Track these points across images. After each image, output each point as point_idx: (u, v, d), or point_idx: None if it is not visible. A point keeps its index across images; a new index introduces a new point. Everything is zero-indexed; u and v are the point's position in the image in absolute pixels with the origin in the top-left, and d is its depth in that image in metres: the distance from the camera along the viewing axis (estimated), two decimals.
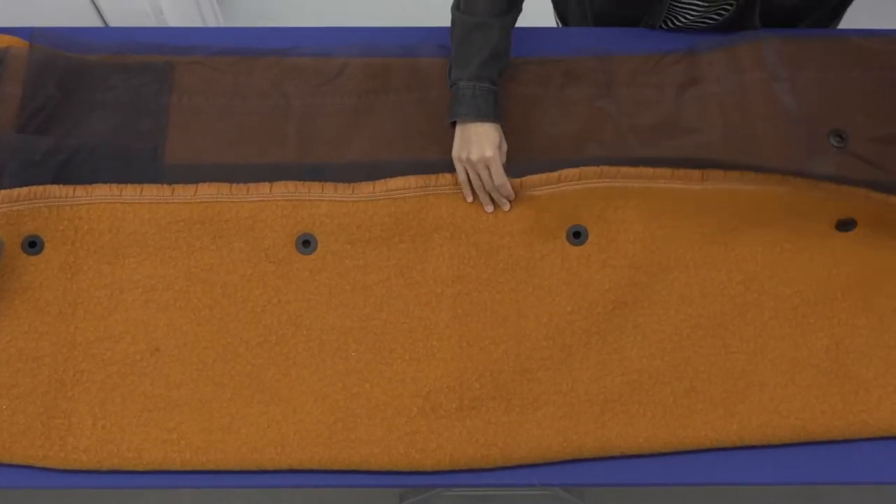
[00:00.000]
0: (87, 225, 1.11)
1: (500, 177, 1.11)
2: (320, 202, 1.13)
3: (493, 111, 1.12)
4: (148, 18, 1.74)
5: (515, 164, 1.14)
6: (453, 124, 1.14)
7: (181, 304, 1.09)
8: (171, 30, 1.36)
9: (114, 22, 1.74)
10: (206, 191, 1.13)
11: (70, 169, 1.14)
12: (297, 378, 1.07)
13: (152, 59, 1.24)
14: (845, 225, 1.12)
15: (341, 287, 1.11)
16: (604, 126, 1.20)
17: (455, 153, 1.13)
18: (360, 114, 1.21)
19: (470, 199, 1.13)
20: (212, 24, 2.04)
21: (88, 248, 1.11)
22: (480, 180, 1.12)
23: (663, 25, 1.30)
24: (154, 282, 1.10)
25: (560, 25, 1.48)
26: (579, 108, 1.21)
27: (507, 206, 1.13)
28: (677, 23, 1.28)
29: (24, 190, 1.10)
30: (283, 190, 1.13)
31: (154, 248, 1.11)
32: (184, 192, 1.13)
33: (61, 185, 1.12)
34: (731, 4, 1.21)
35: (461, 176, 1.13)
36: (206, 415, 1.05)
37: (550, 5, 1.49)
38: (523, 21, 1.26)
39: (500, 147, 1.13)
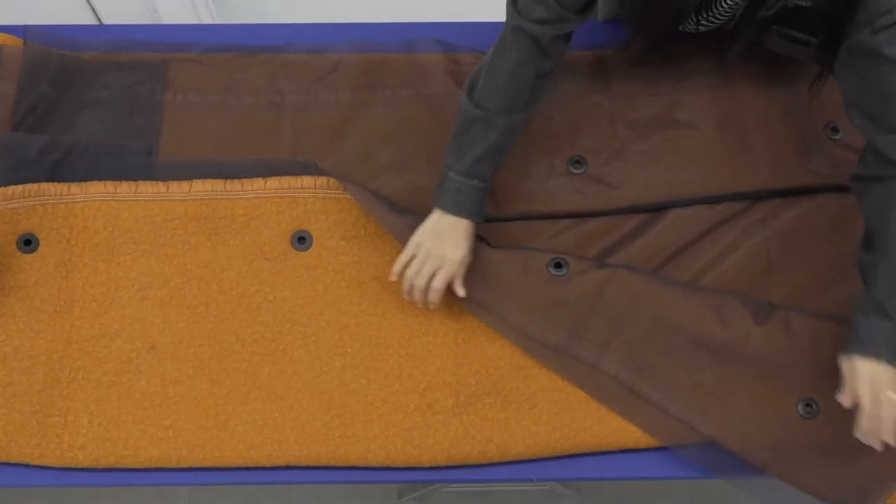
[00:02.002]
0: (83, 223, 1.11)
1: (438, 285, 1.04)
2: (315, 199, 1.13)
3: (476, 209, 1.06)
4: (142, 16, 1.73)
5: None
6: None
7: (177, 301, 1.09)
8: (166, 27, 1.35)
9: (108, 20, 1.73)
10: (201, 187, 1.13)
11: (64, 167, 1.14)
12: (294, 375, 1.07)
13: (146, 58, 1.24)
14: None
15: (337, 283, 1.11)
16: (599, 120, 1.21)
17: (418, 234, 1.06)
18: (354, 110, 1.21)
19: (394, 278, 1.07)
20: (207, 22, 2.03)
21: (84, 245, 1.10)
22: (420, 273, 1.05)
23: None
24: (149, 279, 1.10)
25: None
26: (574, 102, 1.21)
27: (430, 306, 1.07)
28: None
29: (19, 188, 1.10)
30: (276, 185, 1.13)
31: (149, 245, 1.11)
32: (178, 188, 1.13)
33: (56, 183, 1.12)
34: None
35: (404, 254, 1.06)
36: (202, 412, 1.05)
37: None
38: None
39: (464, 257, 1.05)
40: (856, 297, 0.99)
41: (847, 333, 0.97)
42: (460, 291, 1.06)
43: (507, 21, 1.04)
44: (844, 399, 0.97)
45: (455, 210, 1.05)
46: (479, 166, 1.05)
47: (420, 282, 1.05)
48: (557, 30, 1.01)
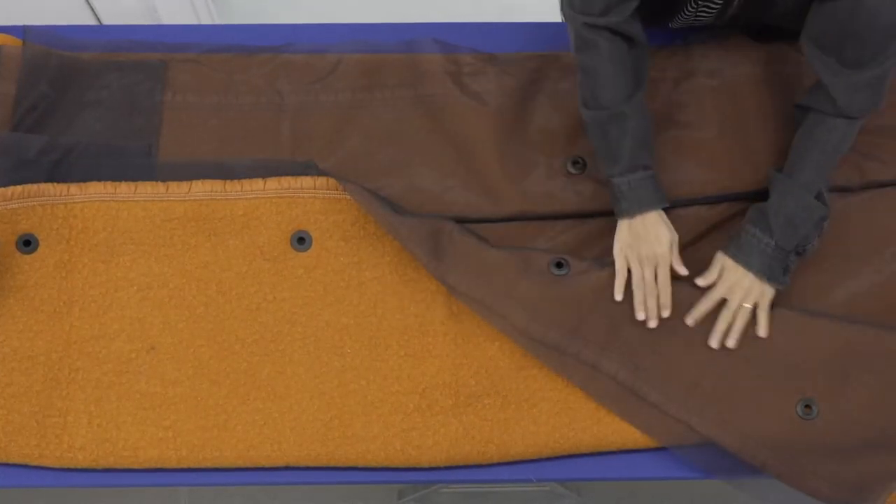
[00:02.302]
0: (82, 223, 1.11)
1: (666, 282, 1.06)
2: (314, 199, 1.13)
3: (656, 197, 1.07)
4: (142, 17, 1.73)
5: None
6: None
7: (176, 301, 1.09)
8: (165, 28, 1.35)
9: (108, 20, 1.73)
10: (201, 188, 1.13)
11: (64, 167, 1.14)
12: (293, 375, 1.07)
13: (146, 58, 1.24)
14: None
15: (336, 284, 1.11)
16: None
17: (620, 247, 1.07)
18: (354, 110, 1.21)
19: (619, 297, 1.07)
20: (206, 22, 2.03)
21: (83, 246, 1.10)
22: (644, 280, 1.06)
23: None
24: (149, 280, 1.10)
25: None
26: (573, 103, 1.21)
27: (666, 313, 1.06)
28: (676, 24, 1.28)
29: (19, 188, 1.10)
30: (275, 185, 1.13)
31: (149, 245, 1.11)
32: (178, 189, 1.13)
33: (55, 184, 1.12)
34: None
35: (621, 272, 1.07)
36: (201, 412, 1.05)
37: (550, 4, 1.49)
38: (522, 16, 1.26)
39: (672, 246, 1.07)
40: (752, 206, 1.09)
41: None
42: (682, 271, 1.07)
43: (571, 23, 1.06)
44: (701, 281, 1.07)
45: (637, 208, 1.06)
46: (635, 157, 1.07)
47: (652, 302, 1.06)
48: (623, 11, 1.02)
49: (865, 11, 0.94)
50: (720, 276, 1.07)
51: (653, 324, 1.07)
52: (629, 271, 1.08)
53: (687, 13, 1.16)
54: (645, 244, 1.06)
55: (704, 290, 1.08)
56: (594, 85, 1.06)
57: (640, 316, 1.07)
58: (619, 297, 1.07)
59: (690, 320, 1.06)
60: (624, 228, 1.08)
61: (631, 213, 1.07)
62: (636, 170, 1.07)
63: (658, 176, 1.09)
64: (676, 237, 1.08)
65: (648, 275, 1.06)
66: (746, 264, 1.06)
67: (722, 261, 1.08)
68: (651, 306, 1.07)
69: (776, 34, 1.24)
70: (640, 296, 1.07)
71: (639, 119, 1.07)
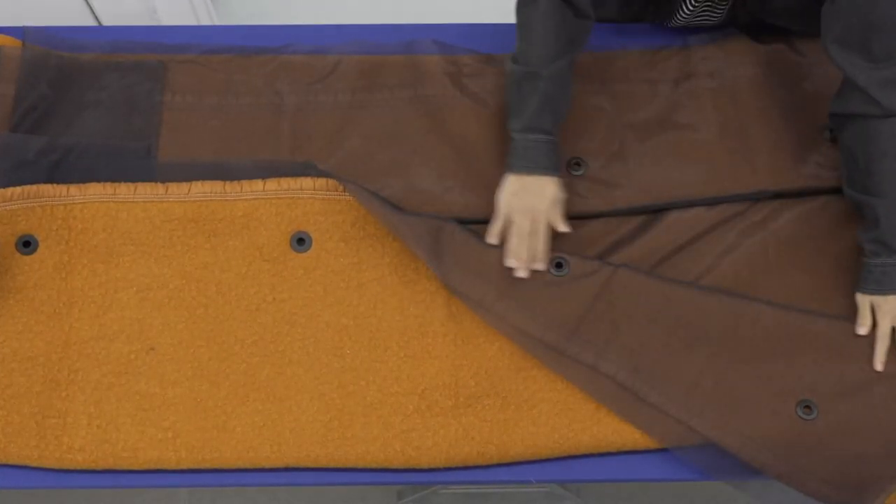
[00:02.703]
0: (81, 224, 1.11)
1: (542, 236, 1.07)
2: (314, 200, 1.13)
3: (548, 163, 1.08)
4: (142, 17, 1.73)
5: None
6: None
7: (176, 302, 1.09)
8: (165, 28, 1.35)
9: (107, 21, 1.73)
10: (200, 189, 1.13)
11: (63, 168, 1.14)
12: (293, 376, 1.07)
13: (145, 58, 1.24)
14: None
15: (336, 285, 1.11)
16: (598, 122, 1.21)
17: (504, 195, 1.08)
18: (354, 111, 1.21)
19: (492, 241, 1.09)
20: (206, 23, 2.03)
21: (82, 247, 1.10)
22: (520, 228, 1.07)
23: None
24: (148, 281, 1.10)
25: None
26: (573, 103, 1.21)
27: (539, 266, 1.08)
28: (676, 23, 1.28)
29: (18, 189, 1.10)
30: (275, 186, 1.13)
31: (148, 246, 1.11)
32: (177, 190, 1.13)
33: (55, 185, 1.12)
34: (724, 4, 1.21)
35: (499, 217, 1.08)
36: (201, 413, 1.05)
37: None
38: (513, 19, 1.26)
39: (556, 203, 1.09)
40: (859, 239, 1.08)
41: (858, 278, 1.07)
42: (563, 228, 1.09)
43: None
44: (862, 329, 1.07)
45: (527, 168, 1.08)
46: (539, 119, 1.08)
47: (523, 251, 1.07)
48: None
49: None
50: (875, 312, 1.07)
51: (521, 273, 1.08)
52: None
53: (687, 11, 1.16)
54: (528, 196, 1.08)
55: (704, 288, 1.08)
56: (524, 40, 1.08)
57: (509, 263, 1.08)
58: (490, 240, 1.09)
59: (879, 365, 1.06)
60: (512, 180, 1.09)
61: (520, 170, 1.08)
62: (535, 132, 1.08)
63: (558, 145, 1.10)
64: (563, 197, 1.10)
65: (526, 225, 1.07)
66: (893, 290, 1.05)
67: (869, 300, 1.07)
68: (522, 255, 1.07)
69: (776, 32, 1.24)
70: (512, 242, 1.08)
71: (554, 84, 1.08)
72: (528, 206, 1.07)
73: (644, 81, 1.23)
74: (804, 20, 1.18)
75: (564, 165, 1.18)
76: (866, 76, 0.99)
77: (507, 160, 1.10)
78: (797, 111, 1.20)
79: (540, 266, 1.08)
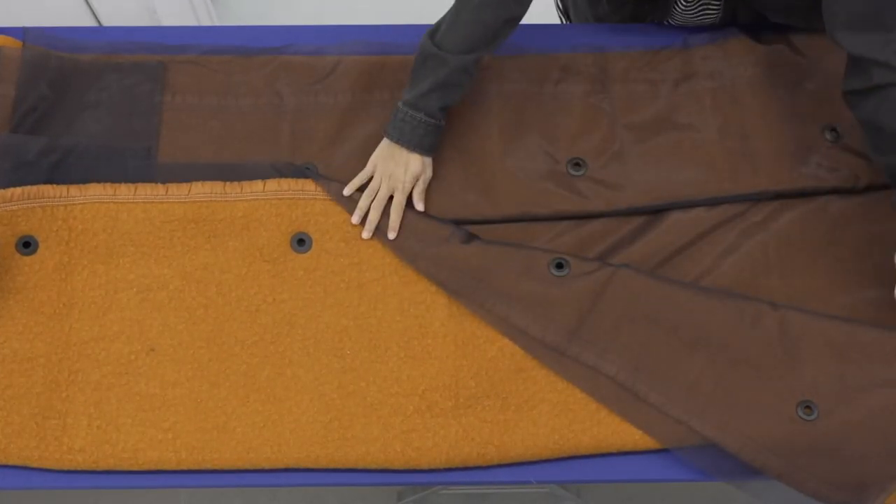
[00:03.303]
0: (82, 225, 1.11)
1: (398, 206, 1.11)
2: (314, 200, 1.13)
3: (421, 143, 1.11)
4: (141, 18, 1.74)
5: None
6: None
7: (176, 303, 1.09)
8: (165, 29, 1.35)
9: (107, 22, 1.74)
10: (200, 189, 1.13)
11: (63, 169, 1.14)
12: (293, 377, 1.07)
13: (145, 59, 1.24)
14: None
15: (336, 285, 1.11)
16: (599, 123, 1.21)
17: (374, 156, 1.14)
18: (354, 112, 1.21)
19: (347, 192, 1.13)
20: (206, 23, 2.03)
21: (83, 247, 1.10)
22: (375, 191, 1.12)
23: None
24: (149, 281, 1.10)
25: (564, 23, 1.48)
26: (574, 105, 1.22)
27: (391, 235, 1.11)
28: (674, 20, 1.28)
29: (18, 190, 1.10)
30: (275, 187, 1.13)
31: (148, 247, 1.11)
32: (178, 190, 1.13)
33: (55, 185, 1.12)
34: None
35: (365, 174, 1.13)
36: (201, 414, 1.05)
37: (549, 5, 1.49)
38: (523, 18, 1.25)
39: (415, 178, 1.12)
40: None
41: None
42: (419, 206, 1.13)
43: None
44: None
45: (399, 140, 1.11)
46: (426, 100, 1.10)
47: (372, 217, 1.11)
48: None
49: None
50: None
51: (365, 234, 1.12)
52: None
53: (681, 8, 1.16)
54: (393, 164, 1.12)
55: (705, 288, 1.08)
56: (450, 27, 1.09)
57: (355, 219, 1.12)
58: (347, 192, 1.13)
59: None
60: (385, 144, 1.14)
61: (391, 139, 1.12)
62: (419, 110, 1.10)
63: (438, 128, 1.12)
64: (429, 176, 1.14)
65: (383, 191, 1.12)
66: None
67: None
68: (373, 218, 1.11)
69: (777, 30, 1.24)
70: (365, 201, 1.12)
71: (457, 74, 1.10)
72: (390, 172, 1.11)
73: (644, 82, 1.23)
74: (803, 15, 1.18)
75: (566, 166, 1.18)
76: (885, 49, 0.99)
77: (386, 123, 1.13)
78: (798, 111, 1.20)
79: (391, 235, 1.11)
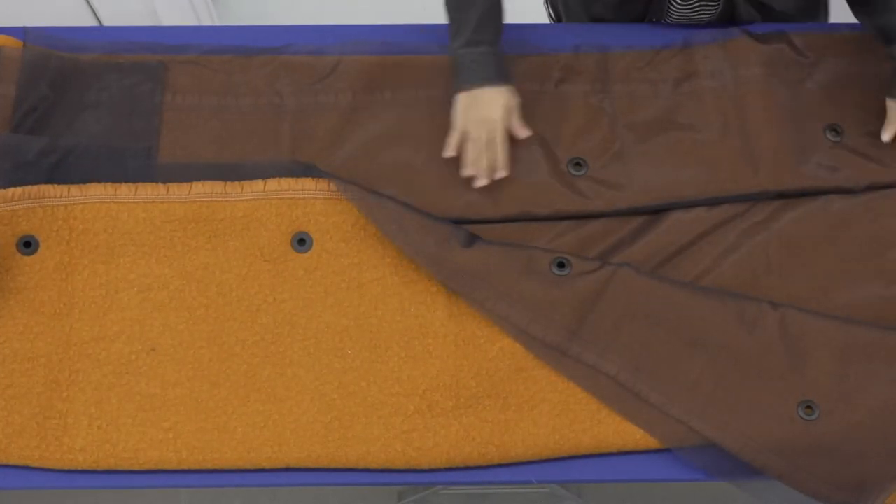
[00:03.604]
0: (82, 224, 1.11)
1: (500, 144, 1.11)
2: (315, 200, 1.13)
3: (497, 74, 1.11)
4: (142, 18, 1.73)
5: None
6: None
7: (176, 303, 1.09)
8: (165, 29, 1.36)
9: (108, 21, 1.74)
10: (201, 189, 1.13)
11: (63, 169, 1.14)
12: (294, 377, 1.07)
13: (145, 59, 1.24)
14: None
15: (337, 285, 1.11)
16: (599, 122, 1.21)
17: (457, 112, 1.13)
18: (354, 111, 1.21)
19: (448, 153, 1.13)
20: (206, 23, 2.03)
21: (83, 247, 1.10)
22: (475, 140, 1.11)
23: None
24: (149, 281, 1.10)
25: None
26: (575, 105, 1.21)
27: (500, 174, 1.12)
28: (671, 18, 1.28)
29: (19, 190, 1.10)
30: (276, 187, 1.13)
31: (149, 247, 1.11)
32: (178, 190, 1.13)
33: (56, 185, 1.11)
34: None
35: (456, 131, 1.13)
36: (202, 414, 1.05)
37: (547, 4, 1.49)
38: (520, 18, 1.26)
39: (510, 111, 1.12)
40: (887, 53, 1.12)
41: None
42: (522, 133, 1.14)
43: None
44: (886, 135, 1.13)
45: (474, 82, 1.11)
46: (480, 32, 1.11)
47: (482, 160, 1.11)
48: None
49: None
50: None
51: (481, 182, 1.12)
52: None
53: (679, 4, 1.17)
54: (479, 109, 1.11)
55: (705, 288, 1.08)
56: None
57: (467, 172, 1.12)
58: (447, 153, 1.14)
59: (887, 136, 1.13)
60: (463, 97, 1.13)
61: (468, 85, 1.11)
62: (479, 44, 1.11)
63: (502, 57, 1.13)
64: (517, 102, 1.14)
65: (483, 135, 1.11)
66: None
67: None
68: (482, 164, 1.11)
69: (775, 19, 1.24)
70: (470, 153, 1.12)
71: None
72: (482, 117, 1.11)
73: (645, 81, 1.23)
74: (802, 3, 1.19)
75: (566, 165, 1.18)
76: None
77: (453, 82, 1.13)
78: (799, 111, 1.20)
79: (502, 173, 1.12)
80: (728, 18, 1.26)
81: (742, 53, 1.23)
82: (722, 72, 1.22)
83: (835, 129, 1.19)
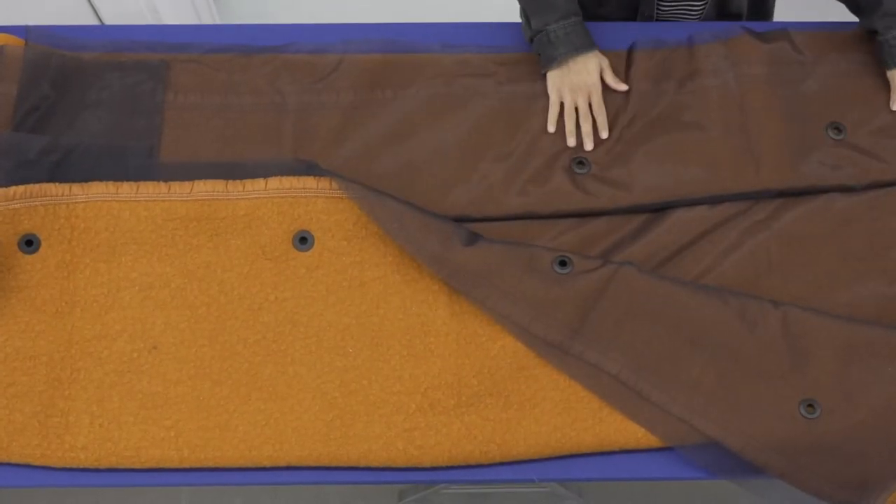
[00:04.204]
0: (84, 223, 1.11)
1: (599, 106, 1.16)
2: (316, 199, 1.13)
3: (588, 40, 1.18)
4: (143, 17, 1.74)
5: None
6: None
7: (178, 301, 1.09)
8: (166, 28, 1.36)
9: (109, 20, 1.74)
10: (203, 188, 1.13)
11: (65, 168, 1.14)
12: (295, 375, 1.07)
13: (147, 58, 1.24)
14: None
15: (338, 284, 1.11)
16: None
17: (553, 82, 1.18)
18: (356, 110, 1.21)
19: (552, 128, 1.18)
20: (207, 22, 2.03)
21: (85, 246, 1.10)
22: (574, 108, 1.16)
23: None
24: (151, 280, 1.10)
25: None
26: None
27: (604, 134, 1.17)
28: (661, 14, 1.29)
29: (21, 188, 1.10)
30: (277, 185, 1.13)
31: (151, 245, 1.11)
32: (180, 189, 1.13)
33: (58, 184, 1.12)
34: None
35: (555, 105, 1.18)
36: (203, 412, 1.05)
37: None
38: (516, 18, 1.26)
39: (600, 70, 1.18)
40: (864, 25, 1.19)
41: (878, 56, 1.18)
42: (620, 87, 1.20)
43: None
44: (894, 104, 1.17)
45: (574, 51, 1.17)
46: (570, 3, 1.17)
47: (586, 127, 1.17)
48: None
49: None
50: None
51: (588, 146, 1.17)
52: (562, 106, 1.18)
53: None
54: (574, 75, 1.17)
55: (707, 286, 1.08)
56: None
57: (571, 142, 1.17)
58: (551, 128, 1.19)
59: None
60: (554, 73, 1.19)
61: (566, 57, 1.16)
62: (570, 15, 1.16)
63: (585, 27, 1.19)
64: (607, 63, 1.20)
65: (581, 103, 1.17)
66: None
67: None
68: (586, 130, 1.17)
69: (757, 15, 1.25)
70: (570, 124, 1.18)
71: None
72: (579, 84, 1.16)
73: (648, 80, 1.23)
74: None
75: (569, 164, 1.18)
76: None
77: (547, 57, 1.18)
78: (801, 109, 1.20)
79: (605, 134, 1.17)
80: (718, 14, 1.27)
81: (743, 52, 1.23)
82: (724, 71, 1.22)
83: (836, 128, 1.19)
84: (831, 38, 1.25)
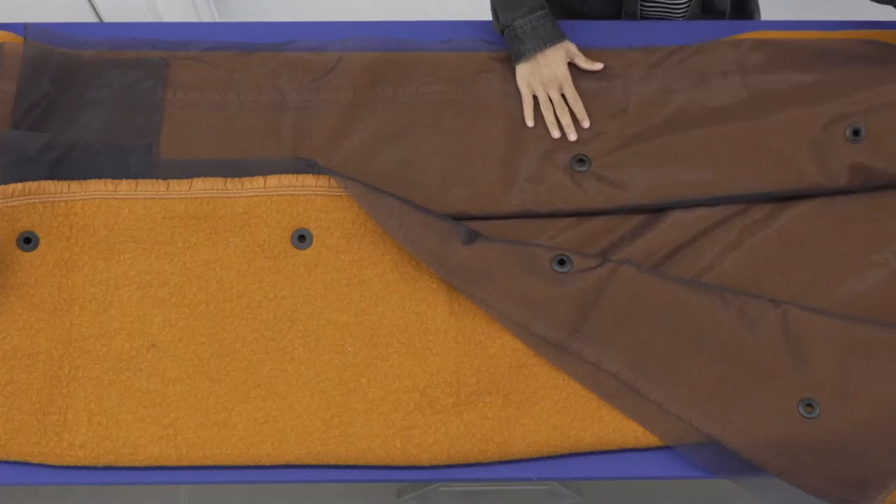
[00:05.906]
0: (82, 221, 1.11)
1: (574, 98, 1.17)
2: (315, 197, 1.13)
3: (556, 32, 1.18)
4: (143, 14, 1.73)
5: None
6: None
7: (177, 299, 1.09)
8: (166, 25, 1.35)
9: (109, 18, 1.74)
10: (201, 186, 1.13)
11: (65, 165, 1.14)
12: (294, 373, 1.07)
13: (147, 55, 1.24)
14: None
15: (337, 282, 1.11)
16: (602, 120, 1.20)
17: (522, 76, 1.18)
18: (356, 109, 1.21)
19: (530, 123, 1.18)
20: (207, 20, 2.03)
21: (83, 244, 1.10)
22: (549, 100, 1.16)
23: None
24: (150, 277, 1.10)
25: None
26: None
27: (585, 124, 1.17)
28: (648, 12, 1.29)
29: (19, 186, 1.10)
30: (276, 183, 1.13)
31: (149, 243, 1.11)
32: (179, 187, 1.13)
33: (56, 181, 1.11)
34: None
35: (527, 99, 1.18)
36: (202, 410, 1.05)
37: None
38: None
39: (568, 58, 1.18)
40: None
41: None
42: (594, 66, 1.20)
43: None
44: None
45: (542, 45, 1.17)
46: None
47: (564, 116, 1.17)
48: None
49: None
50: None
51: (572, 136, 1.17)
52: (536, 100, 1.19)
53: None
54: (544, 68, 1.17)
55: (706, 285, 1.08)
56: None
57: (555, 133, 1.18)
58: (530, 123, 1.19)
59: None
60: (522, 66, 1.19)
61: (534, 51, 1.16)
62: (536, 10, 1.16)
63: (552, 18, 1.19)
64: (575, 49, 1.20)
65: (553, 95, 1.18)
66: None
67: None
68: (566, 122, 1.17)
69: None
70: (549, 116, 1.18)
71: None
72: (549, 77, 1.16)
73: (650, 79, 1.23)
74: None
75: (569, 162, 1.18)
76: None
77: (516, 52, 1.18)
78: (803, 110, 1.20)
79: (586, 123, 1.18)
80: (705, 11, 1.27)
81: (747, 52, 1.23)
82: (726, 71, 1.22)
83: (838, 129, 1.19)
84: (837, 39, 1.25)
